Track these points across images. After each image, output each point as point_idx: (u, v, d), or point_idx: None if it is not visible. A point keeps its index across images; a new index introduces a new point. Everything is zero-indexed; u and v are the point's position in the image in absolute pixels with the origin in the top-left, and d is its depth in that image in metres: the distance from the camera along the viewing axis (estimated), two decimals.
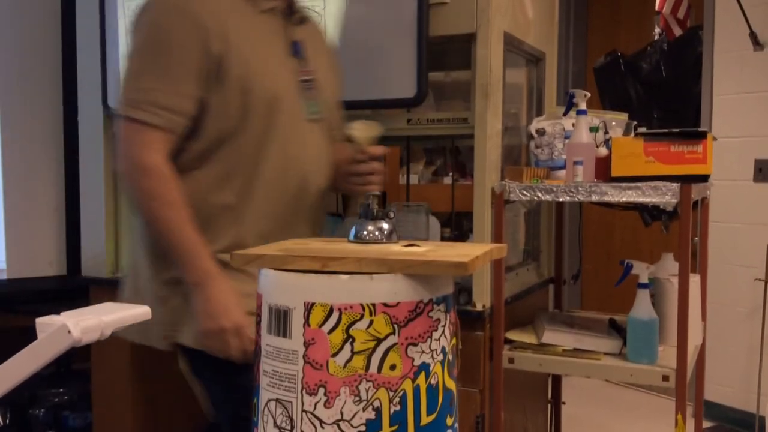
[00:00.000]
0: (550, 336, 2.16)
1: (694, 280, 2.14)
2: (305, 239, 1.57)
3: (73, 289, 2.77)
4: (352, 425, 1.18)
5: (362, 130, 1.68)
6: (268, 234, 1.67)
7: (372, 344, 1.18)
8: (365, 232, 1.36)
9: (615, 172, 1.99)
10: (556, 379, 2.77)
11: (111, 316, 1.10)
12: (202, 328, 1.57)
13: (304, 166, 1.72)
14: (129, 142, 1.60)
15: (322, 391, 1.18)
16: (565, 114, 2.24)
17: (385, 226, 1.36)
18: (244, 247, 1.53)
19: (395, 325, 1.18)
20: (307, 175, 1.73)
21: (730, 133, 3.51)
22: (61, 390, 2.92)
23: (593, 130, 2.11)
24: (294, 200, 1.72)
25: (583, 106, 2.11)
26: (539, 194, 2.06)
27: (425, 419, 1.22)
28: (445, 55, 2.43)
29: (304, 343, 1.19)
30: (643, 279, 2.05)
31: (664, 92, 3.88)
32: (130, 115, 1.59)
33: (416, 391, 1.21)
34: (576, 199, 2.02)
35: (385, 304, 1.18)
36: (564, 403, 2.79)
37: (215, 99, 1.62)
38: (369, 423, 1.18)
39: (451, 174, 2.85)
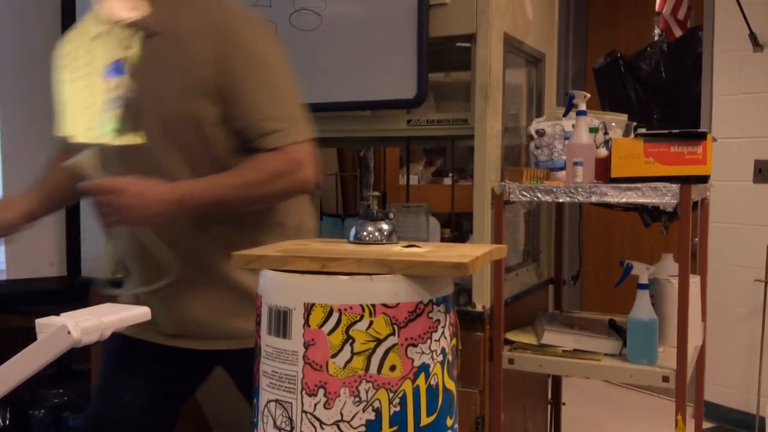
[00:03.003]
0: (550, 337, 2.16)
1: (694, 280, 2.14)
2: (305, 240, 1.57)
3: (73, 290, 2.77)
4: (352, 426, 1.18)
5: (78, 162, 1.46)
6: None
7: (372, 345, 1.18)
8: (365, 233, 1.36)
9: (615, 173, 1.99)
10: (556, 380, 2.77)
11: (110, 317, 1.10)
12: None
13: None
14: None
15: (321, 391, 1.18)
16: (564, 115, 2.24)
17: (385, 226, 1.36)
18: None
19: (395, 326, 1.18)
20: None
21: (730, 134, 3.50)
22: (61, 390, 2.92)
23: (593, 130, 2.11)
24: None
25: (582, 106, 2.11)
26: (539, 195, 2.06)
27: (425, 420, 1.22)
28: (445, 55, 2.44)
29: (304, 343, 1.19)
30: (643, 280, 2.05)
31: (664, 93, 3.88)
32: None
33: (416, 391, 1.21)
34: (576, 200, 2.02)
35: (384, 305, 1.18)
36: (564, 403, 2.79)
37: None
38: (369, 424, 1.18)
39: (451, 174, 2.85)
